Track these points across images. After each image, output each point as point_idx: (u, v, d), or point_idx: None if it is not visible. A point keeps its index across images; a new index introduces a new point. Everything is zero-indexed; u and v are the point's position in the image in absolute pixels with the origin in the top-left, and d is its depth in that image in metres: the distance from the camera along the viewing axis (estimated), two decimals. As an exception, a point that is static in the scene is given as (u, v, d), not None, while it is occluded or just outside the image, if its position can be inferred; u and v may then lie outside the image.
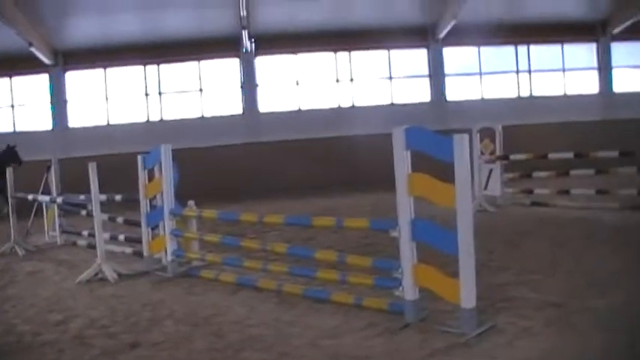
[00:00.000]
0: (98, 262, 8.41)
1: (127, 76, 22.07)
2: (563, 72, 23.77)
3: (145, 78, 21.99)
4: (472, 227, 5.13)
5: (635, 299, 5.95)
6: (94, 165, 8.41)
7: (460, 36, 21.84)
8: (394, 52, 22.89)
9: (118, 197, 9.53)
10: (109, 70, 21.84)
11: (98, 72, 21.86)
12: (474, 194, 13.12)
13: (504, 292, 6.44)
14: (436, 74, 22.80)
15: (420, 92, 22.91)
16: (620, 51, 23.98)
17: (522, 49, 23.60)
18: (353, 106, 22.46)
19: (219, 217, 8.47)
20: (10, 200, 11.66)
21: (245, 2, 19.73)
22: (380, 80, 22.81)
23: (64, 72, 21.73)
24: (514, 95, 23.37)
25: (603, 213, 11.69)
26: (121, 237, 9.82)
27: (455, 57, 23.30)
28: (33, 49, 19.77)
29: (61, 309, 6.92)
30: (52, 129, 21.68)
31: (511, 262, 7.97)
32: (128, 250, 9.52)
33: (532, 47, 23.60)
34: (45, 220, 12.41)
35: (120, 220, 10.04)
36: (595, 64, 23.96)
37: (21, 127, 21.71)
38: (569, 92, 23.55)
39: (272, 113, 22.12)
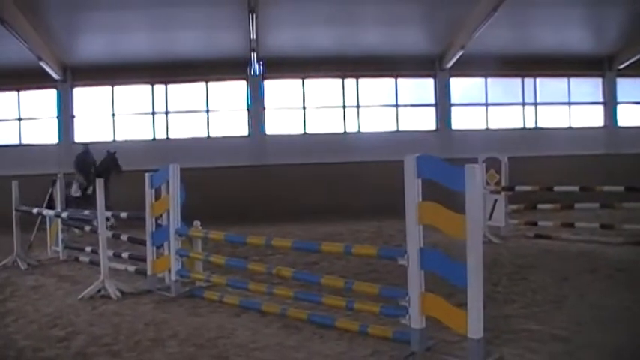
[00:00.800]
0: (101, 279, 8.40)
1: (135, 94, 22.12)
2: (568, 105, 23.81)
3: (152, 96, 22.03)
4: (481, 258, 5.12)
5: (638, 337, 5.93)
6: (101, 182, 8.43)
7: (467, 66, 21.90)
8: (401, 80, 22.94)
9: (123, 215, 9.54)
10: (116, 87, 21.89)
11: (106, 89, 21.91)
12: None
13: (510, 324, 6.42)
14: (442, 103, 22.83)
15: (425, 120, 22.92)
16: (626, 86, 24.05)
17: (529, 81, 23.66)
18: (359, 132, 22.47)
19: (226, 238, 8.45)
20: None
21: (255, 25, 19.80)
22: (386, 107, 22.85)
23: (72, 87, 21.76)
24: (519, 126, 23.38)
25: (607, 247, 11.67)
26: (125, 254, 9.81)
27: (461, 87, 23.34)
28: (42, 64, 19.85)
29: (64, 325, 6.90)
30: (58, 144, 21.69)
31: (516, 294, 7.94)
32: (131, 268, 9.50)
33: (538, 80, 23.66)
34: (48, 235, 12.40)
35: (124, 237, 10.03)
36: (600, 98, 24.02)
37: (27, 141, 21.72)
38: (575, 125, 23.59)
39: (278, 136, 22.12)
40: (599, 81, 24.04)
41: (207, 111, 22.11)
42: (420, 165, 5.42)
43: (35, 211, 11.48)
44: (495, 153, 13.80)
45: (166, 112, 22.00)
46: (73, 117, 21.84)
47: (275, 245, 7.72)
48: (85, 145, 18.21)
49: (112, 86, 21.86)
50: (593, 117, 23.96)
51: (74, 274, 10.36)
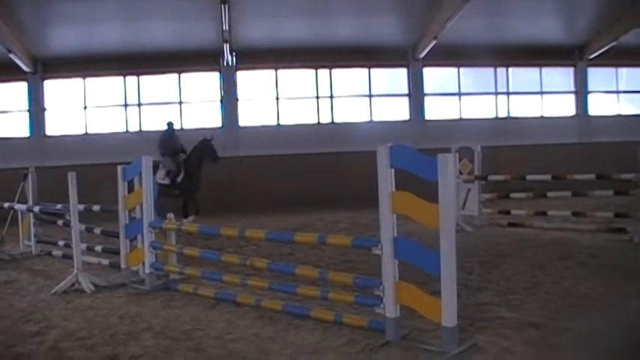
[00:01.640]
0: (75, 273, 8.34)
1: (107, 86, 21.89)
2: (541, 95, 24.00)
3: (124, 88, 21.85)
4: (455, 247, 5.15)
5: (613, 320, 6.01)
6: (73, 175, 8.35)
7: (440, 56, 21.99)
8: (375, 71, 22.95)
9: (96, 208, 9.47)
10: (88, 79, 21.64)
11: (77, 81, 21.66)
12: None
13: (484, 312, 6.47)
14: (415, 93, 22.88)
15: (399, 110, 22.97)
16: (597, 76, 24.29)
17: (501, 71, 23.77)
18: (332, 123, 22.45)
19: (199, 231, 8.42)
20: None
21: (227, 16, 19.70)
22: (360, 98, 22.86)
23: (43, 80, 21.46)
24: (492, 116, 23.51)
25: (580, 235, 11.82)
26: (98, 248, 9.74)
27: (435, 77, 23.41)
28: (12, 56, 19.57)
29: (37, 320, 6.84)
30: (29, 137, 21.44)
31: (490, 282, 8.02)
32: (105, 261, 9.43)
33: (511, 69, 23.79)
34: (20, 229, 12.25)
35: (97, 230, 9.95)
36: (572, 87, 24.22)
37: (-2, 134, 21.49)
38: (547, 114, 23.79)
39: (251, 128, 22.03)
40: (570, 70, 24.22)
41: (180, 103, 21.95)
42: (392, 155, 5.43)
43: (7, 205, 11.35)
44: (468, 142, 13.88)
45: (139, 104, 21.80)
46: (44, 110, 21.57)
47: (249, 237, 7.70)
48: (170, 124, 16.09)
49: (84, 78, 21.60)
50: (565, 106, 24.15)
51: (47, 268, 10.27)
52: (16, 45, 19.63)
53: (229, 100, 21.97)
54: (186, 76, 22.02)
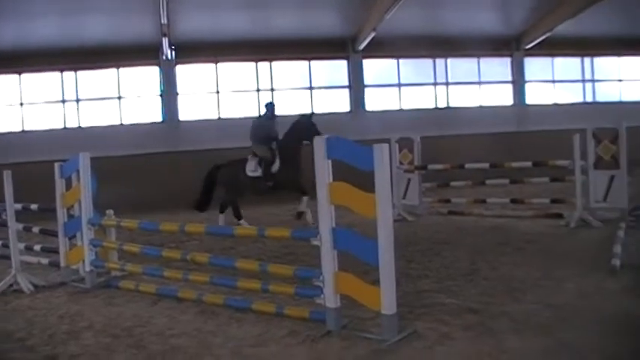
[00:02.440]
0: (13, 273, 8.20)
1: (44, 82, 21.42)
2: (479, 84, 24.39)
3: (62, 84, 21.43)
4: (392, 236, 5.23)
5: (549, 303, 6.17)
6: (8, 173, 8.20)
7: (380, 48, 22.12)
8: (315, 63, 22.97)
9: (33, 206, 9.30)
10: (24, 75, 21.16)
11: (13, 77, 21.18)
12: (392, 203, 13.34)
13: (424, 299, 6.59)
14: (356, 85, 22.98)
15: (340, 102, 23.06)
16: (533, 65, 24.80)
17: (440, 61, 24.04)
18: (273, 116, 22.41)
19: (139, 226, 8.35)
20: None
21: (166, 9, 19.47)
22: (300, 90, 22.88)
23: (-24, 77, 21.03)
24: (432, 106, 23.79)
25: (518, 221, 12.07)
26: (37, 247, 9.57)
27: (374, 68, 23.56)
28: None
29: (-26, 322, 6.71)
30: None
31: (430, 270, 8.15)
32: (44, 260, 9.27)
33: (449, 60, 24.09)
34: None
35: (36, 229, 9.77)
36: (509, 77, 24.67)
37: None
38: (485, 104, 24.17)
39: (192, 122, 21.83)
40: (507, 60, 24.66)
41: (120, 98, 21.63)
42: (329, 146, 5.48)
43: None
44: (409, 133, 14.03)
45: (77, 100, 21.41)
46: (-21, 107, 21.07)
47: (189, 231, 7.68)
48: (270, 106, 14.22)
49: (19, 74, 21.10)
50: (502, 95, 24.58)
51: (-16, 269, 10.06)
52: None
53: (169, 94, 21.72)
54: (125, 71, 21.66)
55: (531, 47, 23.94)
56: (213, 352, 5.36)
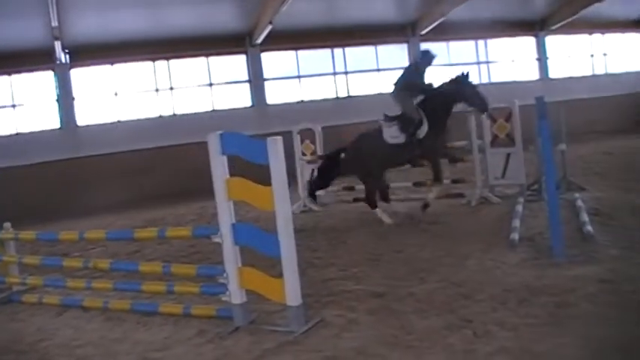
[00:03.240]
0: None
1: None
2: (378, 72, 24.72)
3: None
4: (292, 227, 5.24)
5: (452, 281, 6.32)
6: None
7: (278, 41, 22.20)
8: (213, 59, 22.81)
9: None
10: None
11: None
12: (298, 195, 13.40)
13: (330, 287, 6.63)
14: (256, 79, 22.94)
15: (241, 97, 22.98)
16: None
17: (338, 51, 24.28)
18: (174, 115, 22.13)
19: (38, 237, 8.09)
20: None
21: (56, 11, 18.87)
22: (200, 87, 22.66)
23: None
24: (332, 96, 24.00)
25: (421, 203, 12.25)
26: None
27: (274, 61, 23.56)
28: None
29: None
30: None
31: (336, 257, 8.21)
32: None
33: (347, 49, 24.35)
34: None
35: None
36: (407, 63, 25.08)
37: None
38: (385, 91, 24.46)
39: (91, 126, 21.29)
40: (404, 47, 25.14)
41: (14, 106, 20.86)
42: (224, 142, 5.45)
43: None
44: (310, 124, 14.06)
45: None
46: None
47: (89, 238, 7.48)
48: (427, 52, 11.18)
49: None
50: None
51: None
52: None
53: (65, 99, 21.11)
54: (18, 77, 20.89)
55: (427, 33, 24.49)
56: (119, 359, 5.26)
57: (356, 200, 13.23)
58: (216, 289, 5.74)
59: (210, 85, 22.60)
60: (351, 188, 13.43)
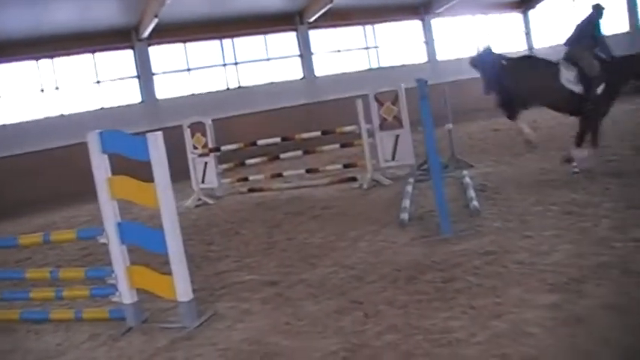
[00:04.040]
0: None
1: None
2: (267, 61, 24.75)
3: None
4: (178, 222, 5.22)
5: (344, 264, 6.45)
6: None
7: (165, 34, 21.90)
8: (99, 55, 22.20)
9: None
10: None
11: None
12: (192, 189, 13.34)
13: (224, 280, 6.66)
14: (144, 74, 22.48)
15: (129, 94, 22.51)
16: (318, 37, 25.56)
17: (227, 42, 24.14)
18: (61, 115, 21.43)
19: None
20: None
21: None
22: (88, 85, 22.05)
23: None
24: (223, 88, 23.86)
25: (315, 190, 12.40)
26: None
27: (162, 55, 23.17)
28: None
29: None
30: None
31: (230, 249, 8.22)
32: None
33: (236, 40, 24.24)
34: None
35: None
36: (297, 51, 25.25)
37: None
38: (276, 80, 24.58)
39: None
40: (293, 35, 25.24)
41: None
42: (103, 140, 5.36)
43: None
44: (201, 117, 13.97)
45: None
46: None
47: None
48: (598, 5, 9.90)
49: None
50: (292, 70, 25.14)
51: None
52: None
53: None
54: None
55: (315, 20, 24.68)
56: (9, 370, 5.14)
57: (251, 191, 13.29)
58: (107, 291, 5.65)
59: (98, 82, 22.03)
60: (245, 179, 13.48)
